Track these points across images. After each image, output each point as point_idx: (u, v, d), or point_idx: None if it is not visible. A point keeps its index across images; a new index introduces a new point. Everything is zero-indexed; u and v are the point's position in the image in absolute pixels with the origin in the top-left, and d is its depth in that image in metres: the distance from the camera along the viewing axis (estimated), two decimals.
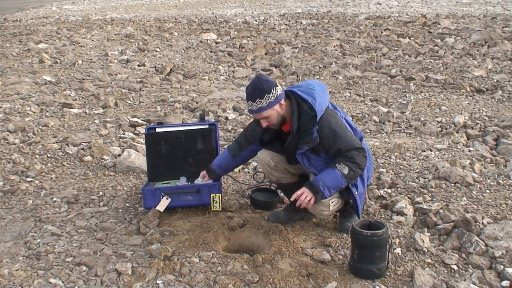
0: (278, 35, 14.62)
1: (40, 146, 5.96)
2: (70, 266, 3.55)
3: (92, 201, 4.68)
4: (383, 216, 4.24)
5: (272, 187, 4.67)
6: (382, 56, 11.54)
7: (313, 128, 3.60)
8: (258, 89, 3.58)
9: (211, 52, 12.59)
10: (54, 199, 4.70)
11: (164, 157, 4.72)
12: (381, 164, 5.35)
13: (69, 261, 3.62)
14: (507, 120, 6.56)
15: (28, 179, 5.13)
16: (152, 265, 3.49)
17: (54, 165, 5.52)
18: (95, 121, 7.05)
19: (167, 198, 4.20)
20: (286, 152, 3.88)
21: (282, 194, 4.58)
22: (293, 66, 10.59)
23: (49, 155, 5.75)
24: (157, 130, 4.82)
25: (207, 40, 14.08)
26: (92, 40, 13.97)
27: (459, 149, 5.79)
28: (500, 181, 4.80)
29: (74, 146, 5.96)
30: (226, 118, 7.12)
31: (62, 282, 3.36)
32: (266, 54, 12.41)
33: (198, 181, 4.42)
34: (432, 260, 3.58)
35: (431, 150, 5.73)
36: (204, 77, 9.95)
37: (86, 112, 7.47)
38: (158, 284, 3.30)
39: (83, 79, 9.50)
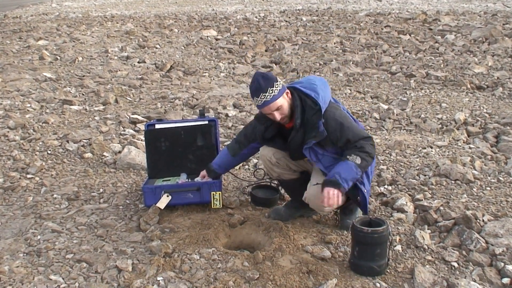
0: (278, 32, 14.61)
1: (41, 143, 5.95)
2: (71, 263, 3.55)
3: (93, 198, 4.68)
4: (383, 213, 4.23)
5: (272, 184, 4.67)
6: (383, 53, 11.53)
7: (319, 122, 3.58)
8: (266, 79, 3.56)
9: (211, 48, 12.58)
10: (55, 195, 4.70)
11: (164, 153, 4.72)
12: (381, 161, 5.35)
13: (70, 257, 3.61)
14: (508, 117, 6.56)
15: (29, 176, 5.13)
16: (152, 262, 3.49)
17: (55, 162, 5.52)
18: (95, 118, 7.04)
19: (167, 196, 4.20)
20: (289, 148, 3.86)
21: (282, 191, 4.58)
22: (294, 63, 10.57)
23: (49, 152, 5.75)
24: (157, 126, 4.81)
25: (207, 36, 14.07)
26: (92, 37, 13.96)
27: (460, 146, 5.79)
28: (501, 178, 4.80)
29: (74, 143, 5.96)
30: (227, 115, 7.11)
31: (63, 278, 3.36)
32: (266, 50, 12.40)
33: (198, 179, 4.43)
34: (432, 257, 3.58)
35: (431, 147, 5.73)
36: (204, 74, 9.95)
37: (86, 109, 7.47)
38: (159, 281, 3.30)
39: (83, 76, 9.50)
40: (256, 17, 18.08)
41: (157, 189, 4.25)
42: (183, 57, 11.59)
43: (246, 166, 5.39)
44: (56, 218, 4.24)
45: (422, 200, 4.35)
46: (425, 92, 8.21)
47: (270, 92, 3.53)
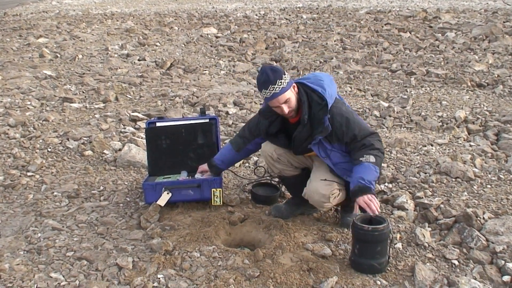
0: (278, 30, 14.60)
1: (41, 141, 5.95)
2: (71, 261, 3.55)
3: (93, 196, 4.67)
4: (384, 211, 4.23)
5: (273, 182, 4.67)
6: (383, 50, 11.52)
7: (325, 117, 3.58)
8: (275, 71, 3.54)
9: (211, 46, 12.57)
10: (55, 193, 4.70)
11: (165, 151, 4.71)
12: None
13: (70, 255, 3.61)
14: (508, 115, 6.55)
15: (29, 174, 5.12)
16: (153, 260, 3.49)
17: (55, 160, 5.51)
18: (96, 115, 7.04)
19: (168, 193, 4.20)
20: (294, 143, 3.85)
21: (283, 189, 4.58)
22: (294, 60, 10.57)
23: (49, 149, 5.75)
24: (158, 124, 4.81)
25: (208, 34, 14.06)
26: (92, 35, 13.95)
27: (460, 144, 5.79)
28: (501, 176, 4.80)
29: (74, 141, 5.96)
30: (227, 113, 7.11)
31: (63, 276, 3.36)
32: (266, 48, 12.39)
33: (198, 176, 4.43)
34: (433, 255, 3.58)
35: (432, 145, 5.73)
36: (204, 71, 9.94)
37: (86, 107, 7.47)
38: (159, 278, 3.30)
39: (84, 74, 9.49)
40: (256, 15, 18.07)
41: (157, 186, 4.25)
42: (183, 54, 11.59)
43: (247, 164, 5.39)
44: (57, 216, 4.24)
45: (422, 198, 4.35)
46: (426, 90, 8.21)
47: (279, 84, 3.51)
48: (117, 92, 8.10)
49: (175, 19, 16.97)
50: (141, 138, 6.01)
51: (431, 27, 14.42)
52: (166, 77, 9.44)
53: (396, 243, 3.71)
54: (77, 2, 24.68)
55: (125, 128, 6.51)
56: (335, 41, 12.73)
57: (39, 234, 3.92)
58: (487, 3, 19.65)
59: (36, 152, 5.65)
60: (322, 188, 3.75)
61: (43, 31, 14.28)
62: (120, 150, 5.72)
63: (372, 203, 3.39)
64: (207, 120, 4.81)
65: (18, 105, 7.33)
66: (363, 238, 3.37)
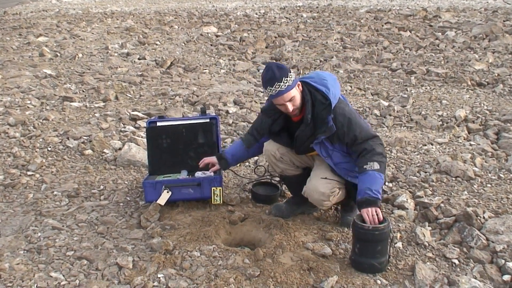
0: (278, 29, 14.59)
1: (41, 140, 5.95)
2: (71, 260, 3.55)
3: (93, 195, 4.67)
4: (384, 210, 4.23)
5: (273, 181, 4.67)
6: (383, 49, 11.52)
7: (328, 117, 3.57)
8: (281, 69, 3.52)
9: (211, 45, 12.56)
10: (55, 192, 4.70)
11: (165, 151, 4.71)
12: None
13: (70, 255, 3.61)
14: (508, 114, 6.55)
15: (29, 173, 5.12)
16: (153, 259, 3.49)
17: (55, 159, 5.51)
18: (96, 114, 7.04)
19: (168, 192, 4.20)
20: (296, 142, 3.85)
21: (283, 188, 4.58)
22: (294, 59, 10.56)
23: (49, 148, 5.75)
24: (158, 123, 4.81)
25: (208, 33, 14.05)
26: (92, 34, 13.94)
27: (460, 143, 5.79)
28: (501, 175, 4.80)
29: (74, 140, 5.96)
30: (227, 112, 7.11)
31: (63, 276, 3.36)
32: (266, 47, 12.38)
33: (198, 174, 4.42)
34: (433, 254, 3.58)
35: (432, 144, 5.73)
36: (204, 70, 9.93)
37: (86, 106, 7.46)
38: (159, 278, 3.30)
39: (84, 73, 9.48)
40: (256, 14, 18.06)
41: (157, 184, 4.25)
42: (183, 53, 11.58)
43: (247, 163, 5.38)
44: (57, 215, 4.24)
45: (422, 197, 4.35)
46: (426, 89, 8.21)
47: (285, 82, 3.50)
48: (117, 91, 8.09)
49: (175, 18, 16.96)
50: (141, 137, 6.01)
51: (431, 26, 14.41)
52: (166, 76, 9.44)
53: (396, 242, 3.71)
54: (77, 1, 24.66)
55: (125, 127, 6.50)
56: (335, 40, 12.73)
57: (39, 234, 3.91)
58: (487, 2, 19.63)
59: (36, 151, 5.65)
60: (322, 187, 3.75)
61: (43, 30, 14.27)
62: (120, 149, 5.71)
63: (375, 218, 3.38)
64: (208, 120, 4.81)
65: (18, 104, 7.33)
66: (364, 238, 3.37)
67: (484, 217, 3.92)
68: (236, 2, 22.88)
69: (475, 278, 3.28)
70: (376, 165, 3.50)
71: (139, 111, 7.13)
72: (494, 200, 4.27)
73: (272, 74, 3.50)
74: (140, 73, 9.49)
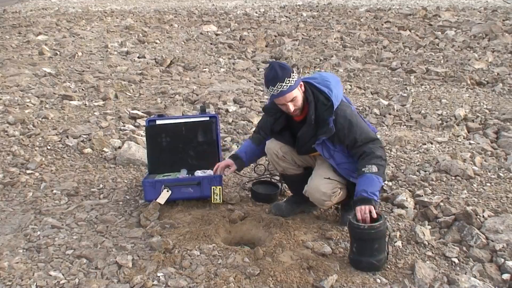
0: (278, 27, 14.58)
1: (40, 138, 5.94)
2: (71, 259, 3.54)
3: (92, 194, 4.67)
4: (383, 209, 4.23)
5: (273, 180, 4.67)
6: (383, 48, 11.52)
7: (329, 118, 3.58)
8: (284, 69, 3.52)
9: (211, 44, 12.56)
10: (54, 191, 4.69)
11: (165, 149, 4.71)
12: None
13: (70, 253, 3.61)
14: (508, 113, 6.55)
15: (28, 172, 5.11)
16: (152, 258, 3.49)
17: (54, 157, 5.50)
18: (95, 113, 7.03)
19: (167, 191, 4.20)
20: (299, 142, 3.85)
21: (282, 187, 4.58)
22: (294, 58, 10.56)
23: (49, 147, 5.74)
24: (158, 122, 4.81)
25: (207, 32, 14.04)
26: (92, 32, 13.92)
27: (460, 142, 5.79)
28: (501, 174, 4.80)
29: (74, 138, 5.95)
30: (227, 111, 7.10)
31: (63, 274, 3.35)
32: (266, 46, 12.39)
33: (198, 173, 4.43)
34: (432, 253, 3.58)
35: (431, 143, 5.73)
36: (204, 69, 9.93)
37: (86, 104, 7.45)
38: (159, 276, 3.30)
39: (83, 71, 9.47)
40: (256, 13, 18.05)
41: (157, 183, 4.25)
42: (183, 52, 11.57)
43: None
44: (56, 214, 4.23)
45: (422, 196, 4.35)
46: (425, 88, 8.21)
47: (287, 82, 3.49)
48: (116, 90, 8.09)
49: (174, 17, 16.95)
50: (141, 135, 6.00)
51: (431, 25, 14.42)
52: (165, 74, 9.43)
53: (396, 241, 3.71)
54: None
55: (124, 126, 6.50)
56: (335, 39, 12.72)
57: (39, 232, 3.91)
58: (487, 1, 19.64)
59: (35, 150, 5.64)
60: (324, 187, 3.75)
61: (42, 29, 14.24)
62: (119, 148, 5.71)
63: (367, 216, 3.38)
64: (207, 119, 4.81)
65: (17, 103, 7.32)
66: (360, 237, 3.38)
67: (483, 216, 3.91)
68: (236, 1, 22.87)
69: (475, 277, 3.28)
70: (374, 168, 3.51)
71: (138, 110, 7.12)
72: (494, 199, 4.27)
73: (275, 74, 3.50)
74: (140, 71, 9.48)
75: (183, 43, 12.64)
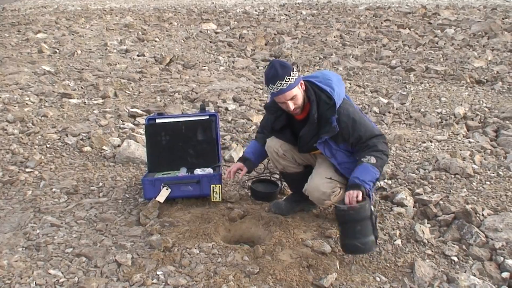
0: (278, 26, 14.58)
1: (39, 137, 5.93)
2: (70, 257, 3.54)
3: (92, 192, 4.67)
4: (383, 207, 4.23)
5: (272, 178, 4.67)
6: (382, 47, 11.52)
7: (332, 117, 3.57)
8: (284, 67, 3.52)
9: (210, 42, 12.56)
10: (54, 189, 4.69)
11: (164, 148, 4.70)
12: None
13: (69, 252, 3.61)
14: (507, 112, 6.55)
15: (27, 170, 5.11)
16: (152, 256, 3.49)
17: (53, 156, 5.50)
18: (94, 111, 7.02)
19: (167, 189, 4.20)
20: (300, 141, 3.84)
21: (282, 185, 4.58)
22: (293, 56, 10.56)
23: (48, 145, 5.73)
24: (157, 121, 4.80)
25: (207, 30, 14.04)
26: (91, 30, 13.91)
27: (459, 140, 5.79)
28: (500, 172, 4.80)
29: (73, 137, 5.94)
30: (226, 109, 7.10)
31: (62, 273, 3.35)
32: (266, 44, 12.38)
33: (198, 171, 4.42)
34: (432, 251, 3.58)
35: (431, 141, 5.73)
36: (204, 67, 9.93)
37: (85, 103, 7.45)
38: (158, 275, 3.30)
39: (82, 69, 9.47)
40: (255, 11, 18.04)
41: (156, 181, 4.24)
42: (183, 50, 11.57)
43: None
44: (55, 212, 4.23)
45: (422, 194, 4.35)
46: (425, 86, 8.21)
47: (287, 80, 3.49)
48: (116, 88, 8.08)
49: (174, 15, 16.93)
50: (140, 134, 6.00)
51: (430, 23, 14.42)
52: (165, 73, 9.43)
53: (395, 240, 3.71)
54: None
55: (124, 124, 6.49)
56: (334, 37, 12.72)
57: (38, 231, 3.91)
58: (486, 0, 19.63)
59: (34, 148, 5.64)
60: (323, 186, 3.74)
61: (41, 27, 14.23)
62: (119, 146, 5.71)
63: (353, 199, 3.41)
64: (207, 117, 4.80)
65: (16, 101, 7.31)
66: (342, 219, 3.42)
67: (483, 215, 3.92)
68: None
69: (474, 275, 3.28)
70: (372, 159, 3.52)
71: (138, 108, 7.12)
72: (493, 198, 4.27)
73: (275, 72, 3.49)
74: (139, 70, 9.48)
75: (182, 41, 12.64)
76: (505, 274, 3.27)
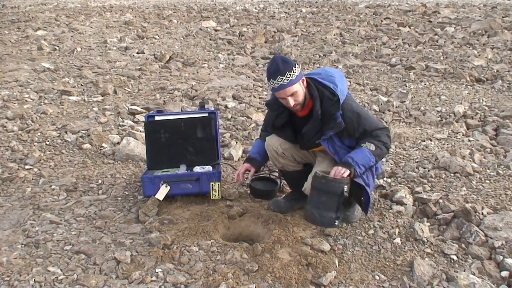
0: (278, 23, 14.57)
1: (39, 134, 5.93)
2: (69, 254, 3.54)
3: (91, 189, 4.66)
4: (382, 206, 4.22)
5: (272, 176, 4.66)
6: (382, 45, 11.52)
7: (336, 113, 3.58)
8: (285, 63, 3.52)
9: (210, 40, 12.55)
10: (53, 187, 4.69)
11: (164, 145, 4.70)
12: None
13: (68, 249, 3.60)
14: (507, 110, 6.55)
15: (27, 167, 5.11)
16: (151, 254, 3.48)
17: (53, 153, 5.50)
18: (94, 108, 7.02)
19: (166, 186, 4.19)
20: (303, 138, 3.84)
21: (281, 183, 4.57)
22: (293, 54, 10.55)
23: (47, 142, 5.73)
24: (157, 118, 4.80)
25: (207, 27, 14.03)
26: (91, 27, 13.90)
27: (459, 139, 5.79)
28: (500, 171, 4.80)
29: (72, 134, 5.94)
30: (226, 107, 7.10)
31: (61, 270, 3.35)
32: (266, 42, 12.38)
33: (197, 169, 4.42)
34: (431, 250, 3.58)
35: (431, 140, 5.72)
36: (203, 65, 9.92)
37: (85, 100, 7.44)
38: (157, 272, 3.29)
39: (82, 67, 9.46)
40: (255, 8, 18.03)
41: (156, 179, 4.24)
42: (182, 48, 11.56)
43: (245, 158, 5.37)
44: (55, 209, 4.23)
45: (421, 192, 4.35)
46: (425, 84, 8.21)
47: (288, 76, 3.50)
48: (115, 85, 8.08)
49: (174, 12, 16.92)
50: (140, 131, 5.99)
51: (430, 21, 14.42)
52: (165, 70, 9.42)
53: (395, 238, 3.71)
54: None
55: (123, 122, 6.49)
56: (334, 35, 12.72)
57: (37, 228, 3.90)
58: None
59: (34, 145, 5.63)
60: None
61: (41, 24, 14.22)
62: (118, 143, 5.70)
63: (339, 174, 3.45)
64: (207, 115, 4.79)
65: (16, 98, 7.31)
66: (313, 185, 3.52)
67: (482, 213, 3.91)
68: None
69: (474, 274, 3.27)
70: (372, 147, 3.55)
71: (137, 106, 7.11)
72: (493, 196, 4.27)
73: (276, 67, 3.50)
74: (139, 67, 9.47)
75: (182, 38, 12.62)
76: (505, 273, 3.27)
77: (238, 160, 5.31)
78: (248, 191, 4.56)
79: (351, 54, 10.49)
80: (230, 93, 7.75)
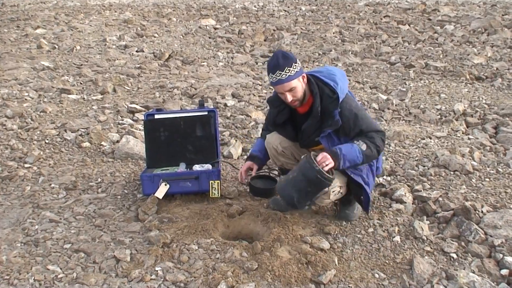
0: (277, 21, 14.55)
1: (38, 132, 5.93)
2: (69, 253, 3.54)
3: (91, 188, 4.66)
4: (382, 204, 4.22)
5: (271, 175, 4.66)
6: (382, 43, 11.51)
7: (335, 111, 3.58)
8: (286, 58, 3.52)
9: (210, 38, 12.53)
10: (52, 185, 4.68)
11: (163, 143, 4.70)
12: None
13: (67, 248, 3.60)
14: (507, 108, 6.55)
15: (26, 165, 5.10)
16: (150, 252, 3.48)
17: (52, 151, 5.49)
18: (93, 107, 7.01)
19: (165, 185, 4.19)
20: (303, 135, 3.84)
21: None
22: (292, 52, 10.53)
23: (47, 141, 5.73)
24: (156, 116, 4.80)
25: (206, 26, 14.01)
26: (90, 26, 13.88)
27: (459, 137, 5.78)
28: (500, 169, 4.79)
29: (72, 132, 5.94)
30: (225, 105, 7.09)
31: (60, 269, 3.35)
32: (265, 40, 12.36)
33: (196, 167, 4.42)
34: (431, 248, 3.58)
35: (430, 138, 5.72)
36: (203, 63, 9.91)
37: (84, 98, 7.44)
38: (157, 271, 3.29)
39: (81, 65, 9.45)
40: (255, 7, 18.01)
41: (155, 177, 4.24)
42: (182, 46, 11.55)
43: (245, 156, 5.37)
44: (54, 208, 4.23)
45: (421, 191, 4.35)
46: (424, 82, 8.20)
47: (287, 71, 3.50)
48: (115, 84, 8.07)
49: (173, 10, 16.90)
50: (139, 130, 5.99)
51: (430, 19, 14.40)
52: (164, 68, 9.41)
53: (394, 236, 3.71)
54: None
55: (123, 120, 6.48)
56: (334, 33, 12.71)
57: (37, 226, 3.90)
58: None
59: (33, 144, 5.63)
60: None
61: (41, 22, 14.19)
62: (118, 142, 5.70)
63: (324, 162, 3.44)
64: (206, 113, 4.79)
65: (15, 96, 7.30)
66: (298, 166, 3.54)
67: (482, 211, 3.91)
68: None
69: (473, 272, 3.27)
70: (363, 146, 3.54)
71: (137, 104, 7.11)
72: (493, 194, 4.27)
73: (276, 62, 3.51)
74: (138, 65, 9.46)
75: (181, 37, 12.61)
76: (504, 271, 3.27)
77: (238, 158, 5.31)
78: (248, 190, 4.56)
79: (350, 52, 10.48)
80: (230, 91, 7.74)
